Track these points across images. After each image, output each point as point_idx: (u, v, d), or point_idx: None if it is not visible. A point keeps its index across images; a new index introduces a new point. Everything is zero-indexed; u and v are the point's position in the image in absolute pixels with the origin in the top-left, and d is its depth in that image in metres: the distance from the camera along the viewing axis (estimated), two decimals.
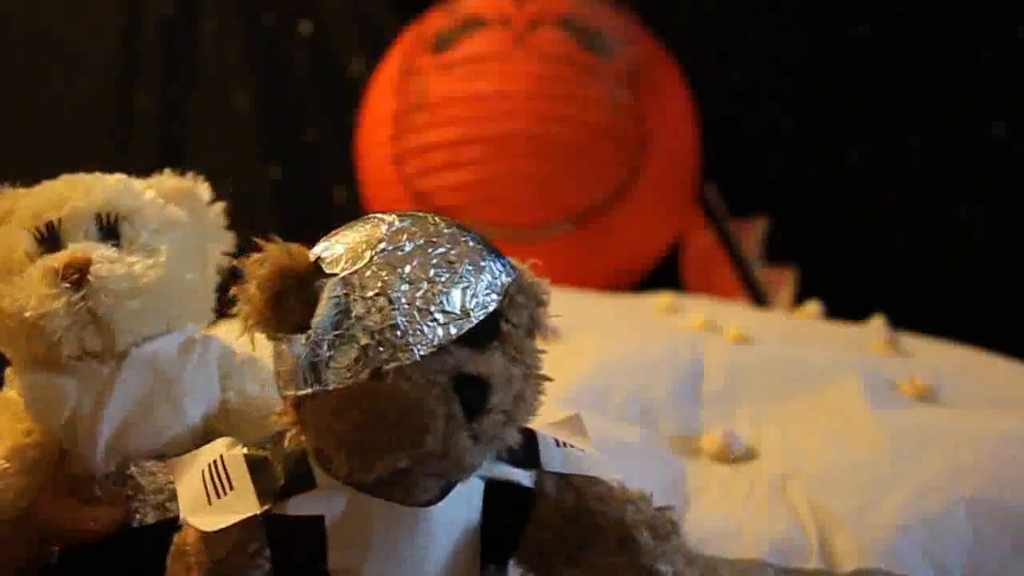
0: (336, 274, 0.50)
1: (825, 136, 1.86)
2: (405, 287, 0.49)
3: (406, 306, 0.48)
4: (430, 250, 0.50)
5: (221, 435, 0.64)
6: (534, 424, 0.56)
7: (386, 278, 0.49)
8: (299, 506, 0.52)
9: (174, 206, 0.71)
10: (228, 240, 0.74)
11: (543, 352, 0.54)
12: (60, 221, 0.66)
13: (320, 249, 0.51)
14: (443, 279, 0.49)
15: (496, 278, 0.51)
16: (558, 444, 0.57)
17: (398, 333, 0.48)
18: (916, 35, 1.81)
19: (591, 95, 1.59)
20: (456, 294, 0.49)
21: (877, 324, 1.34)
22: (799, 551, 0.81)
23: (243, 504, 0.52)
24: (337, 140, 1.84)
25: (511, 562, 0.56)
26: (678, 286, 1.69)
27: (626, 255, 1.68)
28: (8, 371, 0.68)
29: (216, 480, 0.53)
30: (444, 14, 1.69)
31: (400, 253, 0.50)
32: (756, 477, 0.91)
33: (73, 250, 0.65)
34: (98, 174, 0.71)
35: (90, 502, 0.64)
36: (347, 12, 2.00)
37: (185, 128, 1.98)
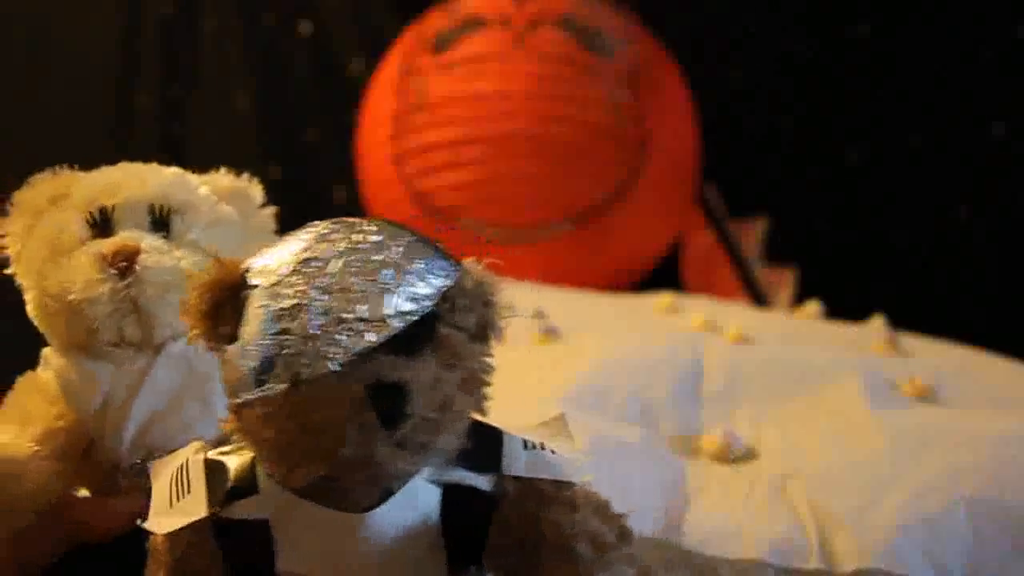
0: (259, 284, 0.50)
1: (825, 136, 1.86)
2: (321, 297, 0.49)
3: (321, 316, 0.48)
4: (351, 258, 0.50)
5: None
6: (517, 426, 0.56)
7: (302, 288, 0.49)
8: (243, 509, 0.53)
9: (226, 205, 0.71)
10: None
11: (489, 356, 0.53)
12: (114, 208, 0.67)
13: (252, 260, 0.52)
14: (360, 287, 0.49)
15: (427, 282, 0.51)
16: (527, 446, 0.56)
17: (314, 344, 0.48)
18: (916, 35, 1.81)
19: (591, 95, 1.59)
20: (375, 302, 0.49)
21: (877, 324, 1.34)
22: (799, 551, 0.81)
23: (194, 507, 0.53)
24: (337, 140, 1.85)
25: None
26: (678, 286, 1.69)
27: (626, 255, 1.68)
28: (46, 351, 0.68)
29: (179, 483, 0.54)
30: (444, 14, 1.69)
31: (318, 262, 0.50)
32: (756, 477, 0.91)
33: (124, 238, 0.65)
34: (155, 165, 0.71)
35: (112, 494, 0.64)
36: (347, 12, 2.00)
37: (185, 128, 1.98)
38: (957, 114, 1.79)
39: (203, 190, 0.71)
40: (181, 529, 0.53)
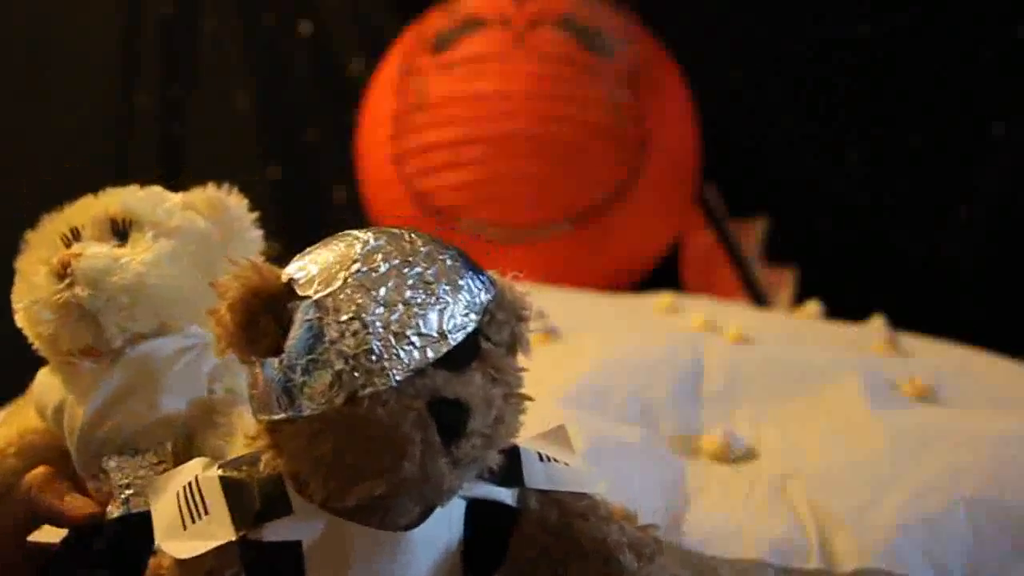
0: (309, 296, 0.48)
1: (825, 136, 1.86)
2: (380, 310, 0.47)
3: (381, 330, 0.47)
4: (406, 270, 0.49)
5: (200, 434, 0.64)
6: (521, 438, 0.55)
7: (360, 301, 0.48)
8: (275, 531, 0.50)
9: (192, 213, 0.71)
10: (259, 249, 0.74)
11: (523, 370, 0.52)
12: (83, 227, 0.67)
13: (293, 269, 0.50)
14: (419, 301, 0.48)
15: (475, 296, 0.50)
16: (541, 459, 0.55)
17: (373, 358, 0.47)
18: (916, 35, 1.81)
19: (591, 95, 1.59)
20: (433, 316, 0.48)
21: (877, 324, 1.34)
22: (799, 551, 0.81)
23: (218, 529, 0.50)
24: (337, 140, 1.84)
25: None
26: (678, 286, 1.69)
27: (626, 255, 1.68)
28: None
29: (191, 503, 0.52)
30: (444, 14, 1.69)
31: (375, 274, 0.49)
32: (756, 477, 0.91)
33: (72, 248, 0.66)
34: (134, 187, 0.71)
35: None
36: (347, 12, 2.00)
37: (185, 128, 1.98)
38: (957, 114, 1.79)
39: (171, 202, 0.71)
40: (203, 554, 0.50)
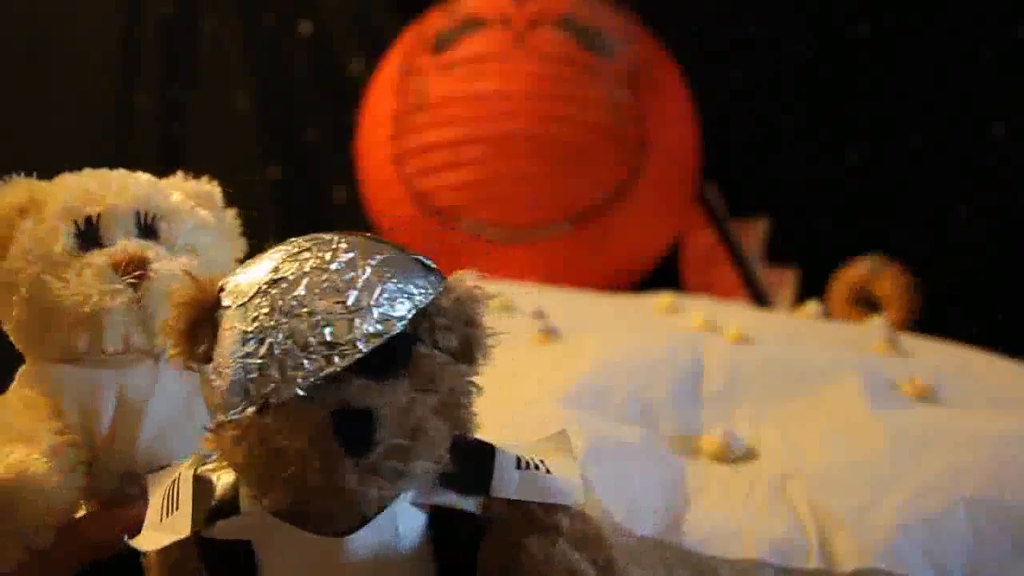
0: (230, 306, 0.50)
1: (825, 136, 1.86)
2: (285, 320, 0.48)
3: (285, 340, 0.47)
4: (319, 277, 0.49)
5: None
6: (520, 438, 0.55)
7: (266, 311, 0.48)
8: (225, 530, 0.52)
9: (200, 208, 0.72)
10: (242, 245, 0.74)
11: (472, 376, 0.51)
12: (99, 217, 0.66)
13: (227, 279, 0.51)
14: (326, 309, 0.48)
15: (400, 302, 0.49)
16: (519, 466, 0.54)
17: (278, 368, 0.47)
18: (916, 35, 1.81)
19: (591, 95, 1.59)
20: (342, 324, 0.48)
21: (877, 324, 1.34)
22: (799, 551, 0.81)
23: (180, 525, 0.52)
24: (337, 140, 1.84)
25: None
26: (678, 286, 1.69)
27: (626, 255, 1.68)
28: (24, 370, 0.67)
29: (169, 499, 0.54)
30: (444, 14, 1.69)
31: (285, 284, 0.49)
32: (756, 477, 0.91)
33: (129, 246, 0.65)
34: (123, 171, 0.70)
35: (119, 504, 0.63)
36: (347, 12, 2.00)
37: (185, 128, 1.98)
38: (957, 114, 1.79)
39: (176, 195, 0.71)
40: (170, 546, 0.52)
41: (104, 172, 0.70)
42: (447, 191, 1.59)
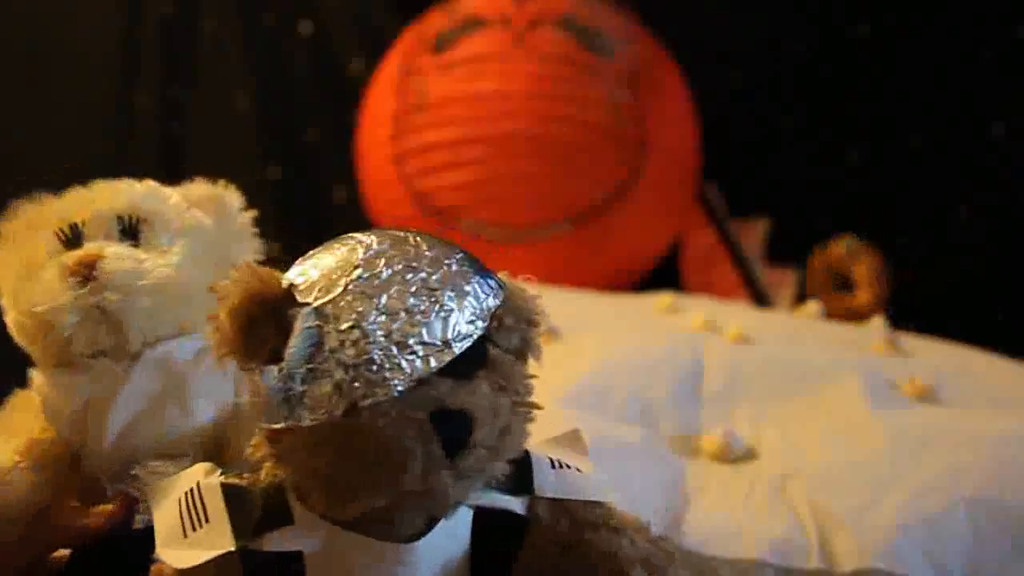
0: (309, 303, 0.47)
1: (825, 136, 1.86)
2: (381, 318, 0.46)
3: (382, 339, 0.45)
4: (409, 276, 0.47)
5: (233, 441, 0.65)
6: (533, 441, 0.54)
7: (360, 309, 0.46)
8: (276, 542, 0.49)
9: (199, 211, 0.71)
10: (256, 247, 0.74)
11: (533, 377, 0.51)
12: (84, 223, 0.66)
13: (294, 274, 0.49)
14: (422, 308, 0.46)
15: (481, 302, 0.48)
16: (553, 466, 0.54)
17: (374, 368, 0.45)
18: (916, 35, 1.81)
19: (591, 95, 1.59)
20: (436, 324, 0.46)
21: (877, 324, 1.34)
22: (799, 551, 0.81)
23: (218, 539, 0.49)
24: (337, 140, 1.84)
25: None
26: (678, 286, 1.69)
27: (626, 255, 1.68)
28: (32, 371, 0.68)
29: (192, 510, 0.50)
30: (444, 14, 1.69)
31: (377, 281, 0.47)
32: (756, 477, 0.91)
33: (87, 248, 0.65)
34: (129, 180, 0.71)
35: (96, 502, 0.64)
36: (347, 12, 2.00)
37: (185, 128, 1.98)
38: (957, 114, 1.79)
39: (174, 199, 0.70)
40: (204, 563, 0.49)
41: (108, 182, 0.70)
42: (447, 191, 1.59)
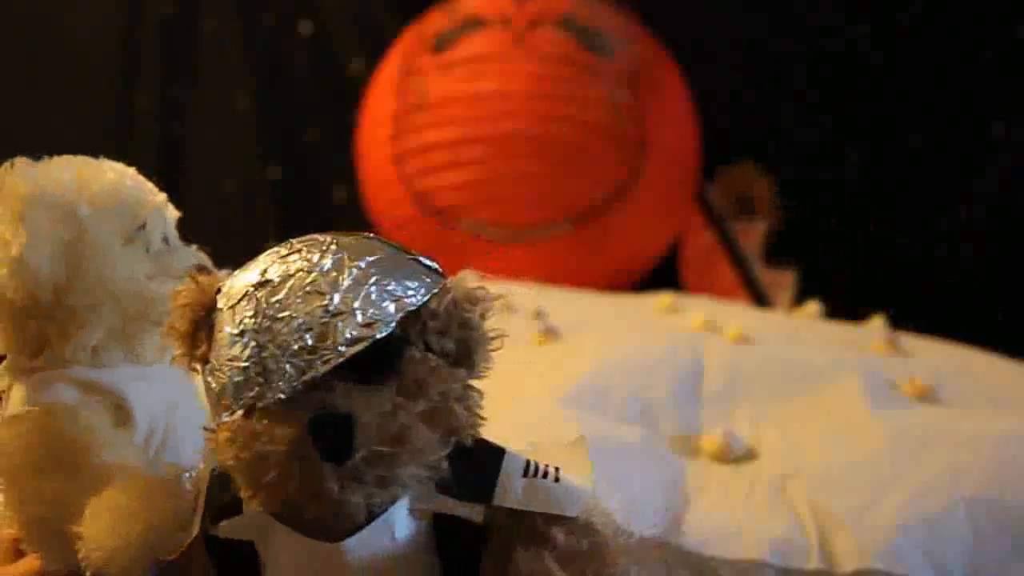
0: (222, 308, 0.49)
1: (825, 136, 1.86)
2: (268, 323, 0.47)
3: (269, 344, 0.47)
4: (304, 279, 0.48)
5: None
6: (521, 438, 0.54)
7: (251, 314, 0.48)
8: (229, 530, 0.52)
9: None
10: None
11: (467, 380, 0.50)
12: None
13: (225, 281, 0.51)
14: (307, 312, 0.47)
15: (388, 304, 0.48)
16: (527, 472, 0.52)
17: (260, 371, 0.47)
18: (916, 35, 1.81)
19: (591, 95, 1.59)
20: (322, 329, 0.47)
21: (877, 324, 1.34)
22: (799, 551, 0.81)
23: (195, 523, 0.53)
24: (337, 140, 1.85)
25: None
26: (678, 286, 1.69)
27: (626, 255, 1.68)
28: None
29: (198, 497, 0.54)
30: (444, 14, 1.69)
31: (271, 286, 0.48)
32: (756, 477, 0.91)
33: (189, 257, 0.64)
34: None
35: None
36: (347, 12, 2.00)
37: (185, 128, 1.98)
38: (957, 114, 1.79)
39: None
40: (192, 542, 0.52)
41: (75, 160, 0.66)
42: (447, 191, 1.59)
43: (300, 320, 0.47)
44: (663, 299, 1.41)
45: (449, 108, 1.60)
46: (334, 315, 0.47)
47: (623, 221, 1.61)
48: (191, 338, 0.51)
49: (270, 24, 2.00)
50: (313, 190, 1.97)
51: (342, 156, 1.79)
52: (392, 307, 0.48)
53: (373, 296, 0.48)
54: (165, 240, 0.65)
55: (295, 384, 0.46)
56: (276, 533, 0.51)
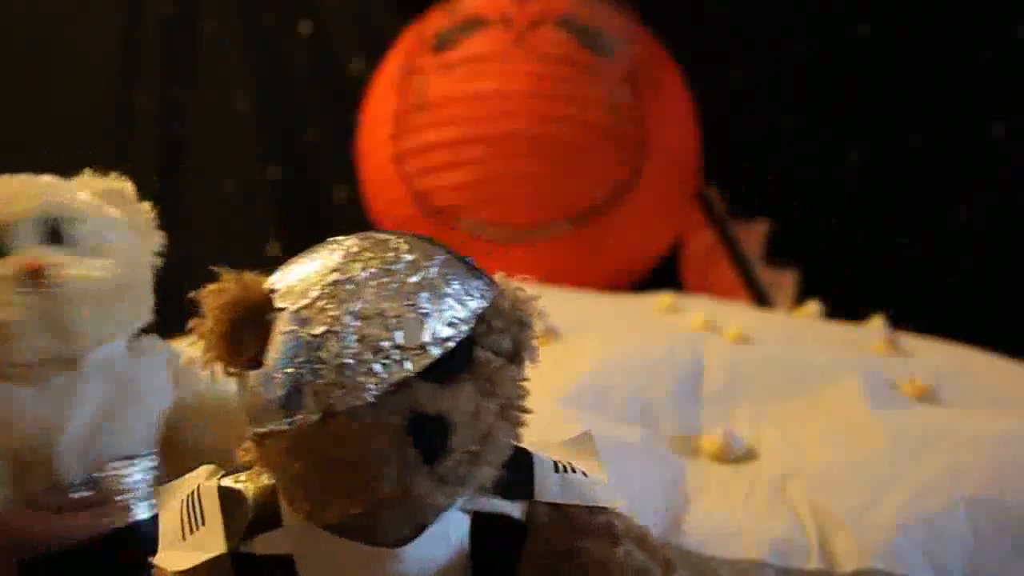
0: (286, 308, 0.47)
1: (825, 136, 1.86)
2: (355, 323, 0.46)
3: (356, 344, 0.45)
4: (385, 280, 0.47)
5: (183, 435, 0.65)
6: (540, 442, 0.54)
7: (334, 313, 0.46)
8: (266, 544, 0.50)
9: (109, 206, 0.70)
10: (159, 239, 0.72)
11: (525, 380, 0.50)
12: (4, 227, 0.65)
13: (275, 279, 0.49)
14: (397, 312, 0.46)
15: (464, 305, 0.48)
16: (557, 469, 0.53)
17: (348, 373, 0.45)
18: (916, 35, 1.81)
19: (591, 95, 1.59)
20: (412, 327, 0.46)
21: (877, 324, 1.34)
22: (799, 551, 0.81)
23: (212, 542, 0.50)
24: (337, 140, 1.84)
25: None
26: (678, 286, 1.69)
27: (626, 255, 1.68)
28: None
29: (191, 513, 0.51)
30: (444, 14, 1.69)
31: (351, 285, 0.47)
32: (756, 477, 0.91)
33: (28, 255, 0.63)
34: (28, 175, 0.69)
35: (60, 511, 0.63)
36: (347, 12, 2.00)
37: (185, 128, 1.98)
38: (957, 114, 1.79)
39: (83, 195, 0.69)
40: (198, 566, 0.49)
41: (5, 179, 0.69)
42: (447, 191, 1.59)
43: (390, 319, 0.46)
44: (663, 299, 1.41)
45: (449, 108, 1.60)
46: (422, 315, 0.46)
47: (623, 221, 1.61)
48: (234, 340, 0.48)
49: (270, 24, 2.00)
50: (313, 190, 1.97)
51: (342, 156, 1.79)
52: (472, 305, 0.48)
53: (450, 295, 0.48)
54: None
55: (387, 385, 0.45)
56: (324, 544, 0.49)
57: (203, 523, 0.50)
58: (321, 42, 2.00)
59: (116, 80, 1.96)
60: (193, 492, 0.52)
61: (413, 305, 0.47)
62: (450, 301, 0.48)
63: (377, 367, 0.45)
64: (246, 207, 1.92)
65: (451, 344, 0.47)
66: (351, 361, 0.45)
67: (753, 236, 1.82)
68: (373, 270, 0.48)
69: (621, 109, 1.60)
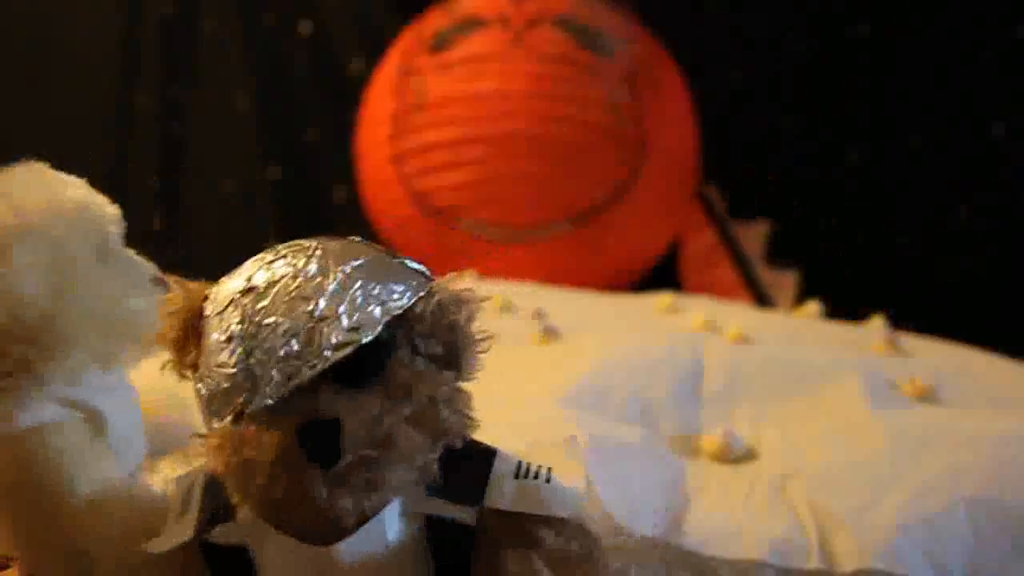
0: (208, 315, 0.50)
1: (825, 136, 1.86)
2: (255, 329, 0.47)
3: (255, 349, 0.47)
4: (289, 285, 0.48)
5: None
6: (521, 438, 0.55)
7: (237, 320, 0.48)
8: (223, 534, 0.52)
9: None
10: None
11: (455, 382, 0.50)
12: None
13: (214, 288, 0.51)
14: (293, 318, 0.47)
15: (375, 309, 0.48)
16: (519, 474, 0.52)
17: (247, 377, 0.47)
18: (916, 35, 1.81)
19: (591, 95, 1.59)
20: (308, 335, 0.47)
21: (877, 324, 1.34)
22: (799, 551, 0.81)
23: (184, 528, 0.53)
24: (337, 140, 1.85)
25: None
26: (678, 286, 1.69)
27: (626, 255, 1.68)
28: None
29: (185, 500, 0.54)
30: (443, 14, 1.69)
31: (256, 292, 0.48)
32: (756, 477, 0.91)
33: None
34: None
35: None
36: (347, 12, 2.00)
37: (185, 128, 1.98)
38: (957, 114, 1.79)
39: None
40: (177, 548, 0.52)
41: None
42: (447, 191, 1.59)
43: (286, 326, 0.47)
44: (663, 299, 1.41)
45: (448, 108, 1.60)
46: (320, 320, 0.47)
47: (623, 221, 1.61)
48: (181, 345, 0.51)
49: (270, 24, 2.00)
50: (313, 190, 1.97)
51: (342, 156, 1.79)
52: (378, 311, 0.48)
53: (358, 300, 0.48)
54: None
55: (282, 390, 0.46)
56: (269, 537, 0.51)
57: (187, 511, 0.53)
58: (321, 42, 2.00)
59: (116, 80, 1.96)
60: (194, 480, 0.54)
61: (310, 312, 0.47)
62: (355, 305, 0.48)
63: (274, 373, 0.47)
64: (246, 207, 1.92)
65: (349, 350, 0.47)
66: (251, 367, 0.47)
67: (753, 236, 1.82)
68: (280, 277, 0.49)
69: (621, 109, 1.60)
